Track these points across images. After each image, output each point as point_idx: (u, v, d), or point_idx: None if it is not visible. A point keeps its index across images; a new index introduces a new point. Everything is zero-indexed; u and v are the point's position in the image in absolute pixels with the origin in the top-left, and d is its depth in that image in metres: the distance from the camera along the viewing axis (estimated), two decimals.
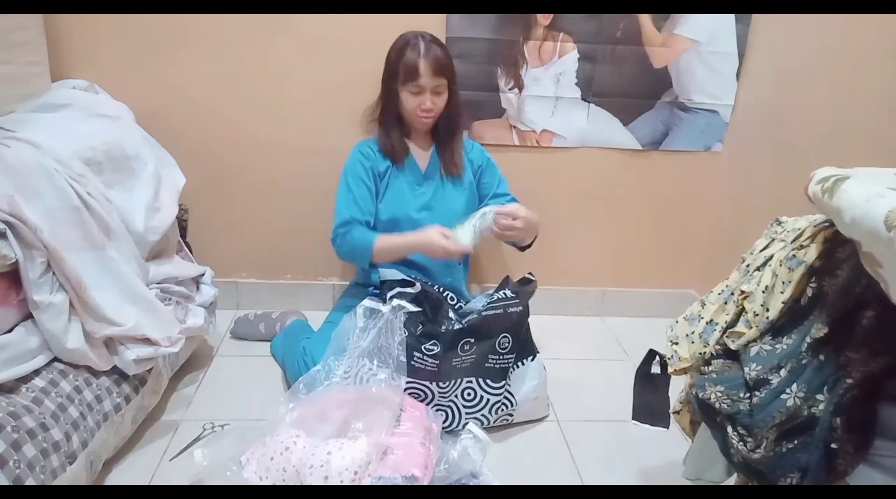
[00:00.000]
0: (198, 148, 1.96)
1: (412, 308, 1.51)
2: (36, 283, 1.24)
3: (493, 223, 1.60)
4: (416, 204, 1.78)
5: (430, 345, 1.50)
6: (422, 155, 1.82)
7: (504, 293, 1.58)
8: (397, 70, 1.67)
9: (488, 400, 1.56)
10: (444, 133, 1.80)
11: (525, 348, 1.64)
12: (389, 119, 1.76)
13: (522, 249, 1.82)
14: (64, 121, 1.53)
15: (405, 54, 1.65)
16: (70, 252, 1.30)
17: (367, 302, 1.53)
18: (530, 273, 1.66)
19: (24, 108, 1.56)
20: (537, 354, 1.66)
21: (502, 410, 1.59)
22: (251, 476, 1.27)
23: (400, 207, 1.77)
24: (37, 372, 1.25)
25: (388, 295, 1.58)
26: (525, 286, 1.63)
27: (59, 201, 1.31)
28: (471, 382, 1.55)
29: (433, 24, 1.86)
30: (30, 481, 1.09)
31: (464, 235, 1.60)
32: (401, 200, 1.77)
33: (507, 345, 1.55)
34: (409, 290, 1.64)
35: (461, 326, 1.52)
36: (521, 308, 1.56)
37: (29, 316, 1.27)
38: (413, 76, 1.64)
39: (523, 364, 1.63)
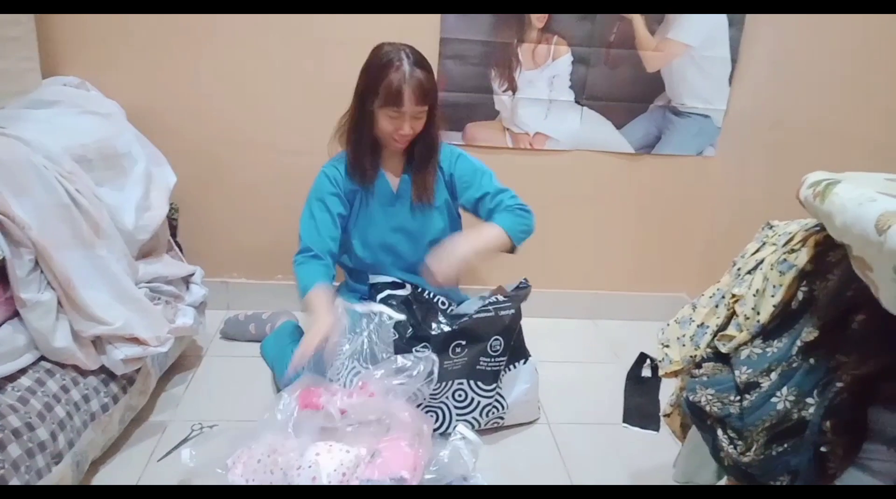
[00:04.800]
0: (189, 147, 1.95)
1: (394, 314, 1.50)
2: (23, 280, 1.22)
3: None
4: (389, 225, 1.69)
5: (421, 347, 1.49)
6: (392, 176, 1.69)
7: (496, 297, 1.58)
8: (377, 91, 1.51)
9: (479, 402, 1.56)
10: (420, 159, 1.65)
11: (517, 352, 1.63)
12: (361, 138, 1.60)
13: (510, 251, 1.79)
14: (54, 117, 1.52)
15: (388, 75, 1.49)
16: (58, 250, 1.28)
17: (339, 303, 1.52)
18: (524, 279, 1.66)
19: (15, 104, 1.54)
20: (529, 358, 1.66)
21: (493, 412, 1.59)
22: (237, 479, 1.26)
23: (373, 230, 1.69)
24: (23, 371, 1.24)
25: (378, 298, 1.58)
26: (518, 291, 1.62)
27: (48, 198, 1.30)
28: (462, 383, 1.54)
29: (428, 24, 1.86)
30: (14, 482, 1.08)
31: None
32: (372, 222, 1.69)
33: (498, 348, 1.55)
34: (399, 292, 1.63)
35: (452, 328, 1.51)
36: (513, 312, 1.56)
37: (16, 314, 1.26)
38: (395, 102, 1.50)
39: (515, 367, 1.63)
